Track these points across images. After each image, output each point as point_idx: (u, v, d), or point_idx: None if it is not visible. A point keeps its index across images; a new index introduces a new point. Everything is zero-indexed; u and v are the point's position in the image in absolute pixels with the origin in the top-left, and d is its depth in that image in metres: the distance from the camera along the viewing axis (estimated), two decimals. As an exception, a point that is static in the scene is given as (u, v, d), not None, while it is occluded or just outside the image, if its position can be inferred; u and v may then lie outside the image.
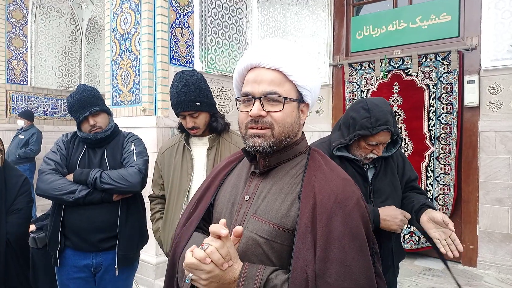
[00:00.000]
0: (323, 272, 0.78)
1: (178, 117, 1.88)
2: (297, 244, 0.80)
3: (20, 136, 5.75)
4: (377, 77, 3.97)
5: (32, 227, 2.13)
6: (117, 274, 1.94)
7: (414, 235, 3.68)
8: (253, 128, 0.89)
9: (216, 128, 1.88)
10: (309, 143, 1.04)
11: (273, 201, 0.89)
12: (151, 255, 3.23)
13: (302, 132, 1.00)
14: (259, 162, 0.95)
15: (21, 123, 5.84)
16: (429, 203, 1.62)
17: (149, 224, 2.05)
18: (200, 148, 1.92)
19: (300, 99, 0.93)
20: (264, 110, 0.88)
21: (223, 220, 0.80)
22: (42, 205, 5.51)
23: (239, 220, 0.92)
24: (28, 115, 5.93)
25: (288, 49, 0.92)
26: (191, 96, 1.77)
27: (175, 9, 3.46)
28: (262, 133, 0.88)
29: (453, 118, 3.53)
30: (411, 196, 1.69)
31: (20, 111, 6.12)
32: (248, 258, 0.86)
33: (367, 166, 1.65)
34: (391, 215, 1.50)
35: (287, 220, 0.86)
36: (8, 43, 6.37)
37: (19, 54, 6.50)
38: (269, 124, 0.88)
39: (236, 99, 0.96)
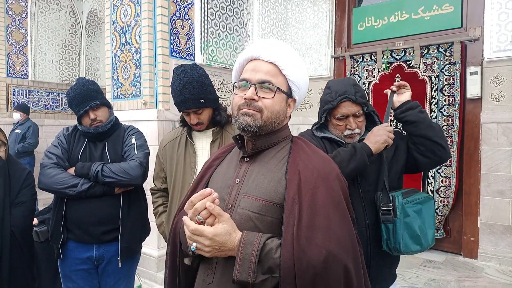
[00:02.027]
0: (312, 237, 0.88)
1: (180, 112, 1.88)
2: (286, 215, 0.91)
3: (17, 131, 5.78)
4: (379, 69, 3.94)
5: (34, 221, 2.14)
6: (120, 266, 1.95)
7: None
8: (245, 109, 1.00)
9: (220, 121, 1.88)
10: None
11: (262, 180, 1.00)
12: (153, 248, 3.25)
13: (286, 123, 1.12)
14: (247, 144, 1.05)
15: (17, 116, 5.86)
16: None
17: (151, 217, 2.06)
18: (203, 141, 1.91)
19: (289, 94, 1.05)
20: (257, 95, 0.99)
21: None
22: (44, 199, 5.52)
23: (231, 200, 1.01)
24: (24, 108, 5.94)
25: (284, 48, 1.05)
26: (195, 94, 1.75)
27: (175, 1, 3.43)
28: (252, 113, 0.99)
29: (455, 110, 3.52)
30: None
31: (15, 105, 6.13)
32: None
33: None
34: (374, 135, 1.53)
35: (275, 196, 0.96)
36: (8, 37, 6.35)
37: (19, 47, 6.47)
38: (259, 109, 0.99)
39: (233, 83, 1.08)
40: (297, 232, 0.88)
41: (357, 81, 4.08)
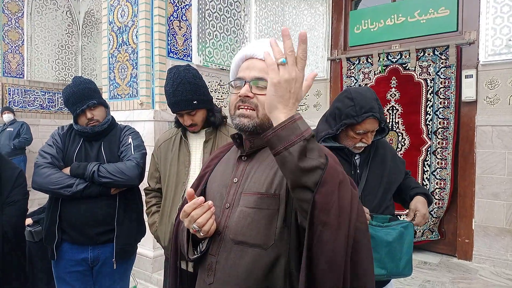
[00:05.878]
0: None
1: (174, 113, 1.88)
2: None
3: (9, 129, 5.91)
4: (375, 72, 3.96)
5: (29, 221, 2.12)
6: (115, 267, 1.94)
7: (410, 229, 3.71)
8: (240, 108, 0.99)
9: (214, 122, 1.88)
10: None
11: (259, 178, 0.99)
12: (149, 249, 3.24)
13: None
14: (245, 143, 1.04)
15: (10, 116, 5.99)
16: (422, 189, 1.71)
17: (146, 217, 2.05)
18: (197, 140, 1.91)
19: None
20: (252, 92, 0.98)
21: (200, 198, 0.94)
22: (39, 199, 5.49)
23: (230, 200, 1.00)
24: (12, 109, 6.16)
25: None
26: (188, 95, 1.75)
27: (172, 2, 3.43)
28: (248, 114, 0.98)
29: (450, 113, 3.54)
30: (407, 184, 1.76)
31: (3, 107, 6.21)
32: (241, 230, 0.94)
33: (359, 155, 1.64)
34: None
35: (271, 188, 0.95)
36: (4, 36, 6.32)
37: (15, 47, 6.45)
38: (255, 105, 0.98)
39: (229, 83, 1.08)
40: None
41: (354, 84, 4.11)
